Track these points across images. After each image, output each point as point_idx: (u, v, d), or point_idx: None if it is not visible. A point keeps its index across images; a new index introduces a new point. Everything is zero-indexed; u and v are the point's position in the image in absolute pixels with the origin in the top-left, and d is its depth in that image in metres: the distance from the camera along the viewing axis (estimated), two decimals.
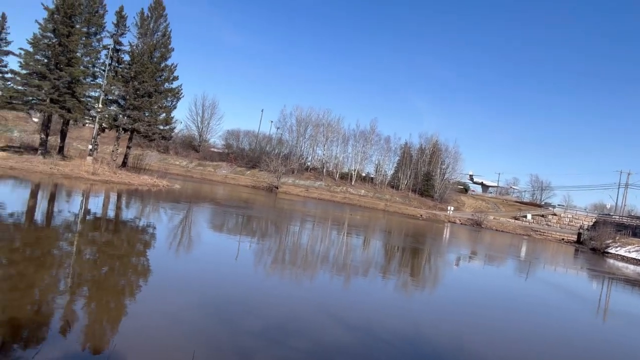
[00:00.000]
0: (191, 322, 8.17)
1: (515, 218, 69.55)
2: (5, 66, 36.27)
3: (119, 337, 7.03)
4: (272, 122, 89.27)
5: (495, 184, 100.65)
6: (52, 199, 22.38)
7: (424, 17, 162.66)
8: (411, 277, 17.17)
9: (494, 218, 64.98)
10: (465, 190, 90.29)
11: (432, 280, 17.60)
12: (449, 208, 69.16)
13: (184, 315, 8.52)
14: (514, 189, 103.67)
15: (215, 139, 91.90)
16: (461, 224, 59.00)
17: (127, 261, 12.28)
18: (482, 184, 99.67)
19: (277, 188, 66.63)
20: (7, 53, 36.77)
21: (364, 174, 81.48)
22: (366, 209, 61.39)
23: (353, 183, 76.55)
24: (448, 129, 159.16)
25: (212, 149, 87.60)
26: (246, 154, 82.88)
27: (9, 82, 32.71)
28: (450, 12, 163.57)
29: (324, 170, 79.84)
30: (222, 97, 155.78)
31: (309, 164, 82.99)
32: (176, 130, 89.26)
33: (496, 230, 57.57)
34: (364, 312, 10.99)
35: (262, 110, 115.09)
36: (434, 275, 19.10)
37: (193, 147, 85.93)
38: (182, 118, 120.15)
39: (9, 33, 38.11)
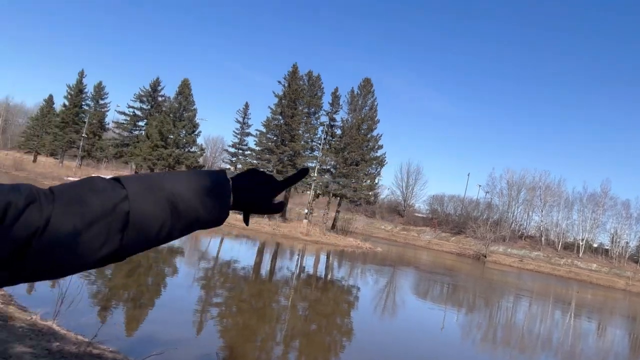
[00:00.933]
0: None
1: None
2: (246, 145, 44.52)
3: None
4: (479, 186, 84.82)
5: None
6: (273, 257, 25.34)
7: None
8: None
9: None
10: None
11: None
12: None
13: None
14: None
15: (420, 204, 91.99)
16: None
17: (333, 320, 12.62)
18: None
19: (485, 257, 61.57)
20: (248, 134, 45.22)
21: (595, 245, 68.89)
22: (599, 286, 51.09)
23: (581, 255, 65.32)
24: None
25: (416, 214, 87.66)
26: (451, 219, 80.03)
27: (247, 158, 39.90)
28: None
29: (542, 238, 70.62)
30: (427, 162, 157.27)
31: (523, 231, 74.90)
32: (382, 196, 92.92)
33: None
34: None
35: (468, 175, 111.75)
36: None
37: (398, 211, 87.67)
38: (388, 184, 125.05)
39: (250, 118, 47.04)
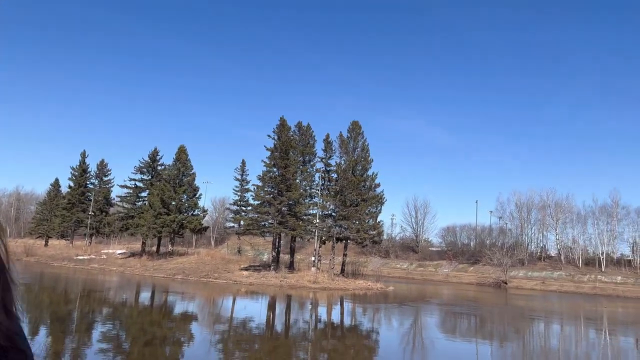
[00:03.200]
0: None
1: None
2: (247, 201, 44.95)
3: None
4: (491, 212, 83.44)
5: None
6: (286, 309, 24.80)
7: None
8: None
9: None
10: None
11: None
12: None
13: None
14: None
15: (433, 237, 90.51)
16: None
17: None
18: None
19: (506, 283, 59.71)
20: (247, 190, 45.81)
21: (616, 257, 66.63)
22: (627, 299, 48.95)
23: (603, 269, 63.08)
24: None
25: (431, 248, 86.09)
26: (466, 250, 78.46)
27: (248, 213, 40.18)
28: None
29: (562, 257, 68.62)
30: (433, 195, 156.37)
31: (541, 252, 72.97)
32: (393, 234, 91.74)
33: None
34: None
35: (476, 202, 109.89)
36: None
37: (412, 248, 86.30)
38: (397, 221, 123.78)
39: (247, 174, 47.78)
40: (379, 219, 42.73)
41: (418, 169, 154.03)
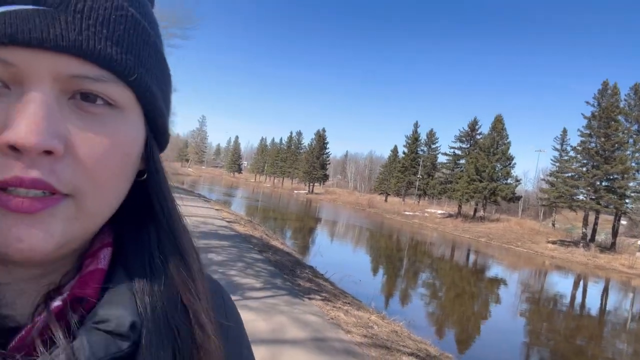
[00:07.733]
0: None
1: None
2: (563, 172, 41.92)
3: None
4: None
5: None
6: (595, 289, 23.82)
7: None
8: None
9: None
10: None
11: None
12: None
13: None
14: None
15: None
16: None
17: None
18: None
19: None
20: (567, 161, 42.74)
21: None
22: None
23: None
24: None
25: None
26: None
27: (559, 186, 38.09)
28: None
29: None
30: None
31: None
32: None
33: None
34: None
35: None
36: None
37: None
38: None
39: (568, 144, 44.52)
40: None
41: None
